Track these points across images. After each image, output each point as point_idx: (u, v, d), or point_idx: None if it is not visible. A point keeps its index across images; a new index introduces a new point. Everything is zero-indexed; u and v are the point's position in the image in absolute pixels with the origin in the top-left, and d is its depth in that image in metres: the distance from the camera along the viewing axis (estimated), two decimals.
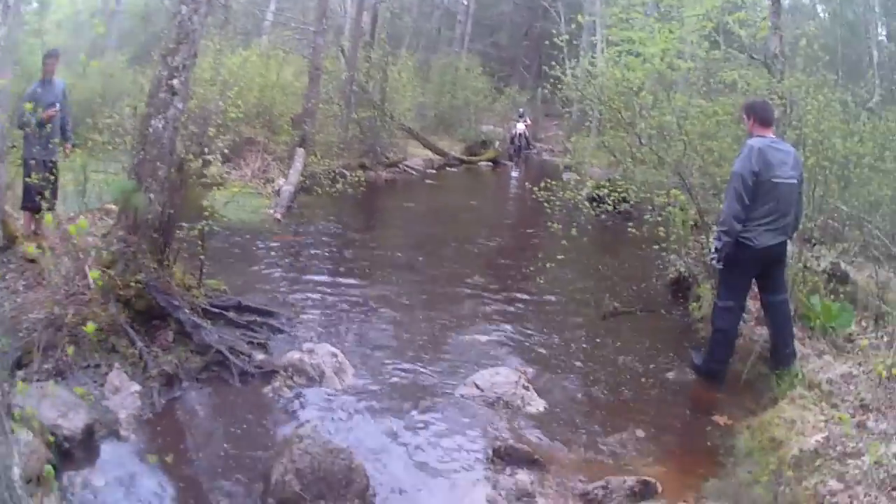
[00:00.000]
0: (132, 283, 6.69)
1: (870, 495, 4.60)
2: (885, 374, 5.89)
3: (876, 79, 20.59)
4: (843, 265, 9.90)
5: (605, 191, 10.81)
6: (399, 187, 21.05)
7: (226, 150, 15.43)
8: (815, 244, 9.99)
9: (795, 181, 7.07)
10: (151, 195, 7.21)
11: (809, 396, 6.29)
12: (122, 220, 7.36)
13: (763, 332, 7.77)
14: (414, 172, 23.76)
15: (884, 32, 30.44)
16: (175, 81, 7.54)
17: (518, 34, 51.59)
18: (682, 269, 10.48)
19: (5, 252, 8.29)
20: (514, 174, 30.65)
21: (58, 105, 9.75)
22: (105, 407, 5.63)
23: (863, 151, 9.53)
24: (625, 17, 22.25)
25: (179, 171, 7.78)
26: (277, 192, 15.61)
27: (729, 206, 6.88)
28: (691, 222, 10.06)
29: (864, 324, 8.48)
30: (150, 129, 7.40)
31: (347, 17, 29.61)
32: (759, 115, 7.21)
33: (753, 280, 7.41)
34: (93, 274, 6.41)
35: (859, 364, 6.90)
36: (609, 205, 10.64)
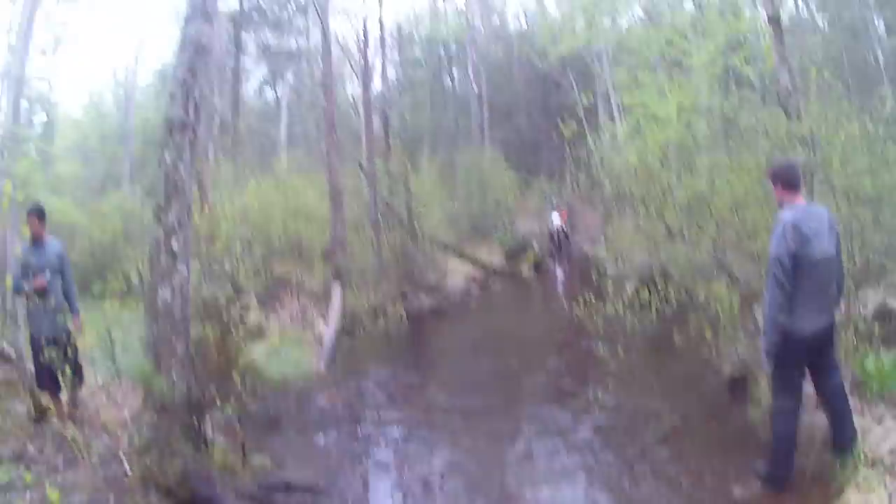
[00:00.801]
0: (170, 472, 6.50)
1: None
2: None
3: (886, 84, 20.46)
4: (889, 303, 9.79)
5: (647, 295, 10.83)
6: (443, 313, 20.72)
7: (259, 294, 15.50)
8: (857, 288, 9.76)
9: (834, 251, 6.93)
10: (174, 375, 7.14)
11: (873, 475, 6.24)
12: (148, 402, 7.24)
13: (821, 418, 7.56)
14: (456, 293, 23.54)
15: (882, 27, 30.23)
16: (174, 243, 7.50)
17: (535, 112, 51.81)
18: (736, 364, 10.26)
19: (39, 423, 8.30)
20: (559, 274, 30.71)
21: (48, 273, 8.92)
22: None
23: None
24: (633, 78, 22.32)
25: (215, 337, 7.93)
26: (319, 340, 15.35)
27: (772, 298, 6.70)
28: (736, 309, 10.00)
29: None
30: (159, 301, 7.33)
31: (362, 125, 29.18)
32: (786, 180, 7.04)
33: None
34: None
35: None
36: (653, 313, 10.67)
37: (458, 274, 25.49)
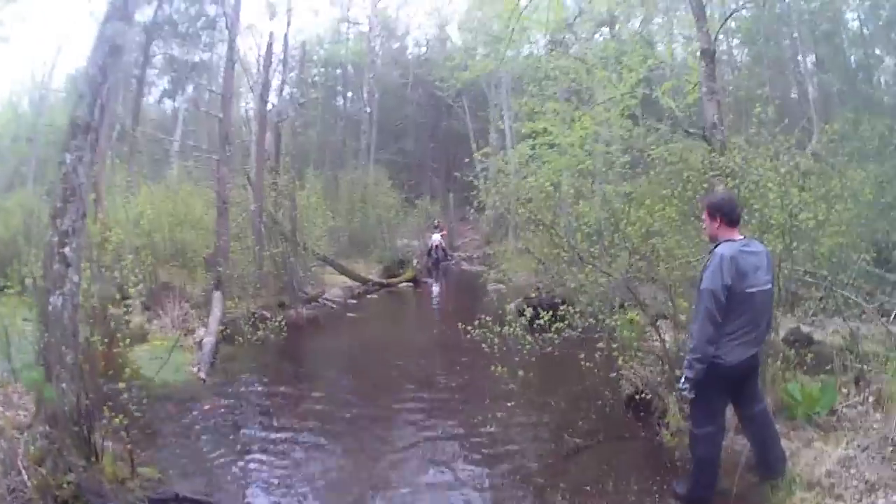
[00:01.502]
0: (64, 484, 6.29)
1: None
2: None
3: (813, 114, 20.96)
4: (802, 328, 10.13)
5: (545, 318, 10.40)
6: (321, 323, 20.65)
7: (143, 298, 15.11)
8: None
9: (770, 286, 6.85)
10: (63, 384, 6.88)
11: (811, 498, 6.23)
12: (41, 413, 7.04)
13: (742, 441, 7.56)
14: (334, 305, 23.51)
15: (810, 63, 31.09)
16: (67, 250, 7.30)
17: (424, 136, 52.50)
18: (639, 385, 10.26)
19: None
20: (436, 289, 31.07)
21: None
22: None
23: (822, 216, 9.68)
24: (536, 108, 22.27)
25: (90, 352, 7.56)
26: (199, 345, 15.04)
27: (701, 330, 6.57)
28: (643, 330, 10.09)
29: (844, 390, 8.44)
30: (50, 307, 7.15)
31: (252, 140, 29.37)
32: (727, 215, 6.91)
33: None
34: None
35: (853, 441, 6.94)
36: (554, 335, 10.12)
37: (336, 287, 25.51)
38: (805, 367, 8.68)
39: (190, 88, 41.09)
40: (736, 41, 34.30)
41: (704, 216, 7.16)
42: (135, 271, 12.42)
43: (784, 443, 7.25)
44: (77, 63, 43.95)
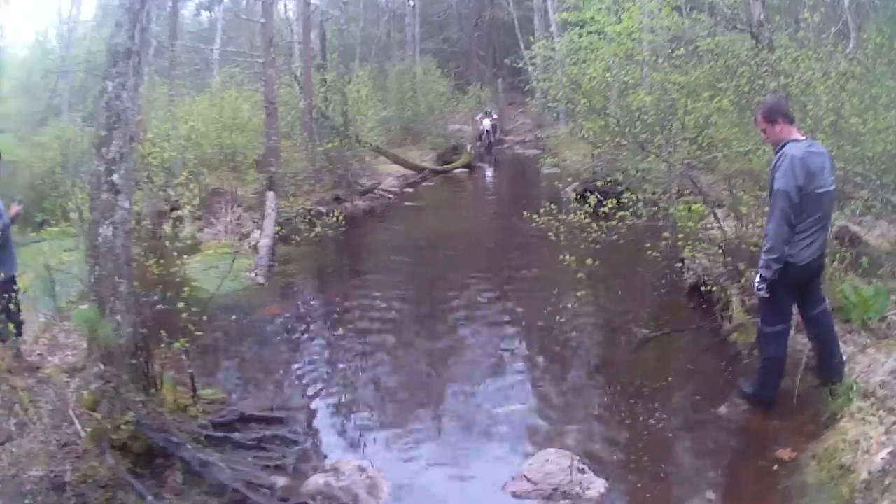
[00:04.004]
0: (122, 426, 5.86)
1: None
2: None
3: (849, 19, 20.13)
4: (850, 227, 9.77)
5: (608, 206, 9.99)
6: (378, 215, 20.36)
7: (193, 208, 14.28)
8: None
9: (833, 187, 6.72)
10: (118, 317, 6.45)
11: (867, 407, 6.03)
12: (93, 352, 6.50)
13: (804, 340, 7.38)
14: (391, 195, 23.05)
15: None
16: (115, 177, 6.75)
17: (468, 26, 51.84)
18: (702, 276, 10.13)
19: None
20: (489, 174, 30.82)
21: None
22: None
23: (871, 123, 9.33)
24: None
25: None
26: (255, 248, 14.52)
27: (777, 231, 6.43)
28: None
29: (894, 297, 8.12)
30: (100, 238, 6.65)
31: (295, 40, 28.93)
32: (787, 115, 6.74)
33: None
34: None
35: None
36: (618, 223, 9.76)
37: (391, 177, 25.03)
38: (858, 269, 8.47)
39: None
40: None
41: (762, 124, 6.88)
42: (189, 185, 11.93)
43: (841, 346, 7.09)
44: None
